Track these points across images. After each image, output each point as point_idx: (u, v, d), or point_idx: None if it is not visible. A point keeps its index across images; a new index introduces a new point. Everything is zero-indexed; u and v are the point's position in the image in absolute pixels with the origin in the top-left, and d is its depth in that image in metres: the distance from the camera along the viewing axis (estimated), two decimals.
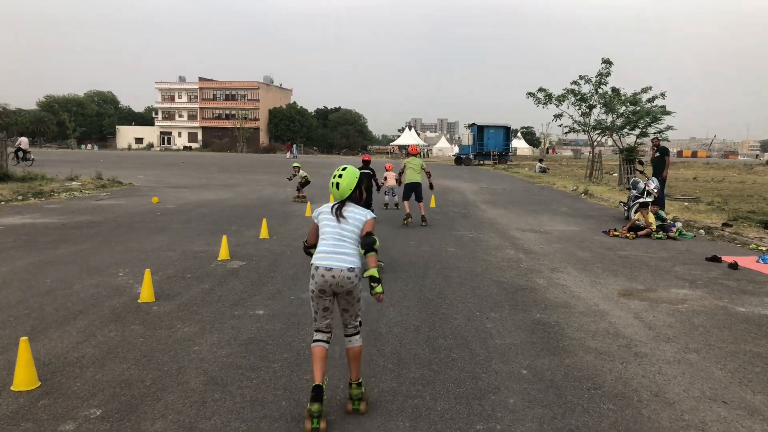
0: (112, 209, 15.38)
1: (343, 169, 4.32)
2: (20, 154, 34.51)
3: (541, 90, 34.29)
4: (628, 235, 12.45)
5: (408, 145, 18.54)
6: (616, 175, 31.72)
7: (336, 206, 4.25)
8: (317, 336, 4.20)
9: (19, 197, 17.22)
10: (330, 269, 4.08)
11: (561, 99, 33.65)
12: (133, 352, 5.20)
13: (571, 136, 39.78)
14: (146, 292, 6.84)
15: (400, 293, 7.43)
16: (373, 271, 4.09)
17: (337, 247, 4.14)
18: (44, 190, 19.14)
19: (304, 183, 19.00)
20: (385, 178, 16.76)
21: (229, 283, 7.76)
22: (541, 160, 48.42)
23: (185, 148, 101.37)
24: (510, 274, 8.68)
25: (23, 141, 36.06)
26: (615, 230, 12.93)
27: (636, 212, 13.70)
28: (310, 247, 4.47)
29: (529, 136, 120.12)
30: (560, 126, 34.70)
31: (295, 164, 19.63)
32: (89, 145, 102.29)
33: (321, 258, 4.14)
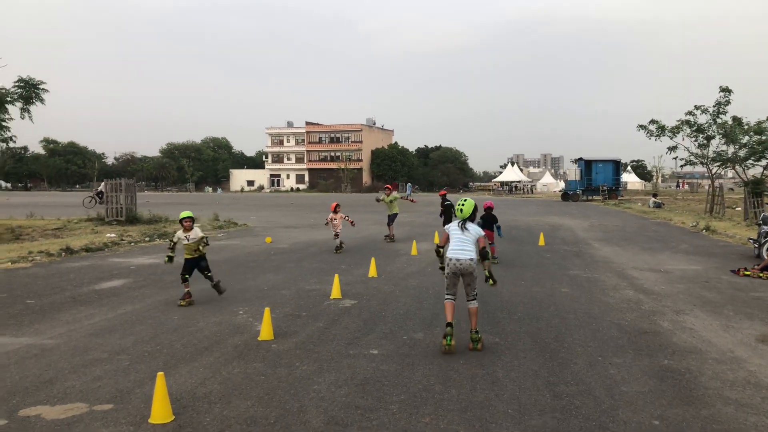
0: (230, 249, 16.20)
1: (464, 200, 6.94)
2: (100, 197, 37.37)
3: (653, 122, 32.85)
4: (761, 274, 11.49)
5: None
6: (739, 209, 29.59)
7: (461, 223, 6.78)
8: (448, 295, 6.75)
9: (146, 238, 18.56)
10: (458, 260, 6.58)
11: (675, 131, 32.04)
12: (256, 390, 5.38)
13: (687, 168, 37.58)
14: (266, 330, 7.10)
15: (515, 335, 7.23)
16: (488, 272, 6.85)
17: (462, 245, 6.64)
18: (167, 231, 20.51)
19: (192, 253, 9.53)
20: (330, 220, 15.71)
21: (342, 322, 7.89)
22: (655, 195, 46.08)
23: (292, 189, 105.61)
24: (631, 317, 8.23)
25: (102, 185, 39.25)
26: (745, 269, 11.97)
27: None
28: (440, 247, 7.12)
29: (640, 170, 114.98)
30: (675, 159, 32.97)
31: (185, 213, 9.69)
32: (211, 188, 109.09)
33: (452, 252, 6.64)
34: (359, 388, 5.39)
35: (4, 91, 19.32)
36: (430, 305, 8.91)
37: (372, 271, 11.66)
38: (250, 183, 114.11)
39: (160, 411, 4.68)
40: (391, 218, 18.62)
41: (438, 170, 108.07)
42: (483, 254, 6.78)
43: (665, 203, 42.02)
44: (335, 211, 15.65)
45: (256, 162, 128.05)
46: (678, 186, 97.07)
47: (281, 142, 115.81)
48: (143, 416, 4.75)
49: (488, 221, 13.28)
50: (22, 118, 20.26)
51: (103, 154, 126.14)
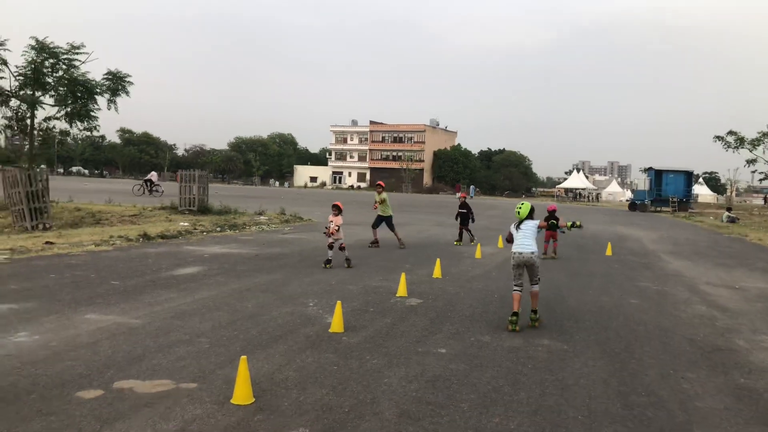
0: (297, 243, 16.63)
1: (522, 204, 8.14)
2: (148, 185, 39.07)
3: (731, 133, 31.59)
4: None
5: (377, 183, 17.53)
6: None
7: (517, 223, 8.02)
8: (515, 287, 7.84)
9: (218, 229, 19.26)
10: (521, 253, 7.79)
11: (755, 143, 30.71)
12: (330, 379, 5.59)
13: (766, 183, 35.95)
14: (336, 323, 7.32)
15: (583, 343, 7.20)
16: (568, 224, 10.00)
17: (523, 240, 7.83)
18: (237, 223, 21.21)
19: None
20: (331, 226, 12.47)
21: (409, 320, 8.04)
22: (729, 209, 44.18)
23: (352, 187, 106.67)
24: (704, 332, 8.04)
25: (153, 174, 41.14)
26: None
27: None
28: (509, 240, 8.19)
29: (713, 182, 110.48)
30: (753, 172, 31.55)
31: None
32: (278, 182, 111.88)
33: (516, 247, 7.87)
34: (429, 385, 5.53)
35: (94, 82, 20.44)
36: (496, 308, 8.95)
37: (437, 272, 11.76)
38: (313, 179, 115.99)
39: (243, 393, 4.94)
40: (387, 221, 16.37)
41: (501, 174, 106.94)
42: (552, 226, 8.87)
43: (740, 218, 40.23)
44: (337, 213, 12.48)
45: (319, 159, 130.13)
46: (766, 201, 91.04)
47: (345, 140, 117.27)
48: (225, 396, 5.03)
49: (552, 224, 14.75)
50: (109, 109, 21.45)
51: (174, 145, 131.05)
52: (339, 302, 7.53)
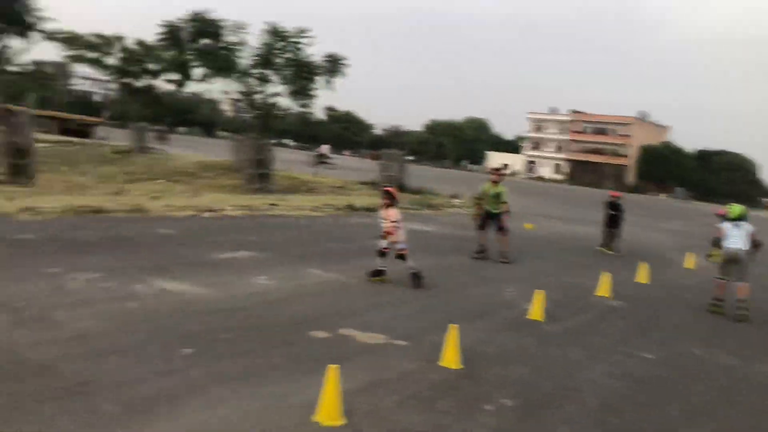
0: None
1: (739, 207, 9.07)
2: (321, 158, 39.85)
3: None
4: None
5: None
6: None
7: (732, 222, 8.85)
8: (721, 277, 8.87)
9: (416, 207, 20.10)
10: (729, 248, 8.66)
11: None
12: (531, 361, 5.77)
13: None
14: (536, 311, 7.39)
15: None
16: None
17: (735, 238, 8.62)
18: (433, 203, 21.92)
19: None
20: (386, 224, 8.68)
21: (610, 319, 7.88)
22: None
23: (542, 178, 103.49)
24: None
25: (324, 148, 41.79)
26: None
27: None
28: (718, 238, 9.02)
29: None
30: None
31: None
32: (474, 165, 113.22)
33: (728, 243, 8.68)
34: (634, 384, 5.46)
35: (316, 64, 22.38)
36: (708, 322, 8.39)
37: (642, 277, 11.01)
38: (505, 166, 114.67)
39: (451, 357, 5.32)
40: (498, 220, 11.75)
41: (720, 178, 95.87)
42: (756, 245, 8.86)
43: None
44: (389, 203, 8.56)
45: (512, 146, 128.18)
46: None
47: (540, 129, 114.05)
48: (433, 358, 5.42)
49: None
50: (326, 89, 23.30)
51: (373, 125, 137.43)
52: (542, 291, 7.56)
